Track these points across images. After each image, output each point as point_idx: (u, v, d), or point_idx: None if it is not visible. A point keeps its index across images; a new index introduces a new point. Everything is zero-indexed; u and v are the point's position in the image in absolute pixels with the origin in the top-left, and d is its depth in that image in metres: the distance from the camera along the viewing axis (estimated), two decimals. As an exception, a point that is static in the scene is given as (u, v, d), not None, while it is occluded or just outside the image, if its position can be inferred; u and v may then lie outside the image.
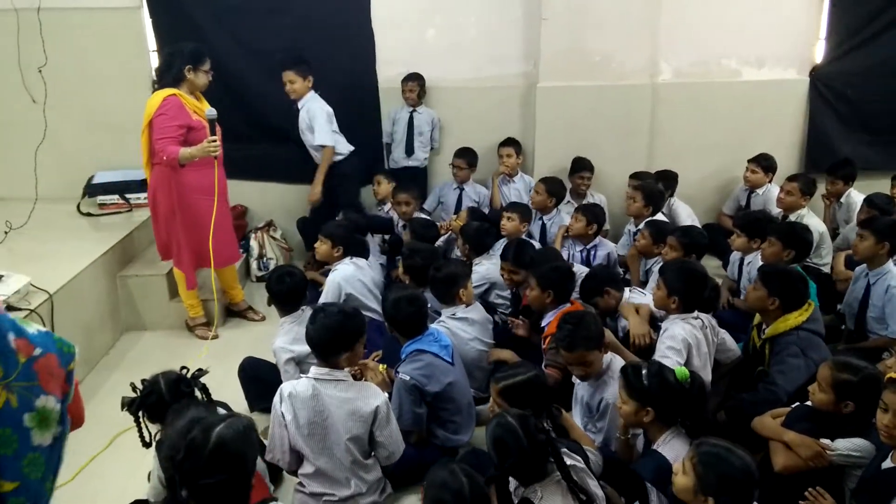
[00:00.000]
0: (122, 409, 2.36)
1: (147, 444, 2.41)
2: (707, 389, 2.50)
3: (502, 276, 3.87)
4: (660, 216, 4.68)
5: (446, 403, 2.87)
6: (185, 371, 2.45)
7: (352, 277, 3.96)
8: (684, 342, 2.96)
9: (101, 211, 4.97)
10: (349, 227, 4.22)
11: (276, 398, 2.54)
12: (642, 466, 2.41)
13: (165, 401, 2.35)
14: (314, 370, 2.57)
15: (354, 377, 3.22)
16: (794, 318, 3.03)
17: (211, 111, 3.74)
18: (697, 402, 2.42)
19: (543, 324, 3.38)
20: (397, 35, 5.29)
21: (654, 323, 3.42)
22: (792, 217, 4.58)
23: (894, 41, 5.44)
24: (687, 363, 2.93)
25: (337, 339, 2.57)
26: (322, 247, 4.04)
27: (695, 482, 1.94)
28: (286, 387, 2.55)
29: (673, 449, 2.37)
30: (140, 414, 2.38)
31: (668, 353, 2.94)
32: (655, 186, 4.74)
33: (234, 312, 4.56)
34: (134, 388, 2.40)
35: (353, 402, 2.53)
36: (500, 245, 4.38)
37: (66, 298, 3.64)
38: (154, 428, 2.44)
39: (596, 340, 2.79)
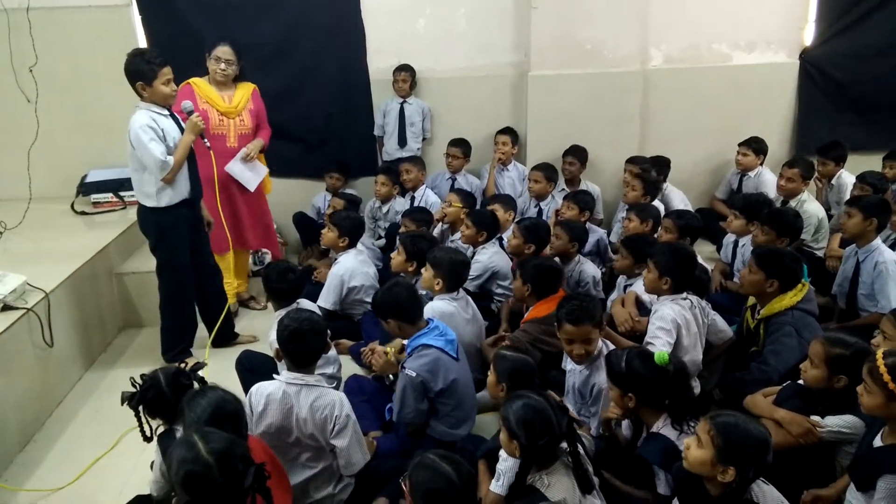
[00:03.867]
0: (122, 404, 2.38)
1: (148, 439, 2.43)
2: (690, 371, 2.50)
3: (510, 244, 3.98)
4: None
5: (449, 399, 2.87)
6: (183, 365, 2.47)
7: (356, 270, 4.02)
8: (673, 322, 2.99)
9: (96, 209, 4.98)
10: (357, 220, 4.26)
11: (254, 393, 2.54)
12: (647, 450, 2.42)
13: (165, 395, 2.37)
14: (286, 374, 2.56)
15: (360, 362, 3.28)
16: (790, 298, 3.07)
17: (186, 104, 3.73)
18: (678, 385, 2.42)
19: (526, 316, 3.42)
20: (387, 26, 5.30)
21: (643, 307, 3.46)
22: (792, 202, 4.59)
23: (883, 22, 5.47)
24: (677, 343, 2.97)
25: (311, 349, 2.59)
26: (329, 234, 4.11)
27: (713, 453, 1.96)
28: (265, 386, 2.55)
29: (673, 431, 2.39)
30: (140, 409, 2.39)
31: (659, 333, 2.97)
32: (654, 177, 4.78)
33: (242, 302, 4.66)
34: (133, 384, 2.41)
35: (314, 406, 2.51)
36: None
37: (62, 297, 3.66)
38: (155, 422, 2.45)
39: (598, 318, 2.84)
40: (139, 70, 3.46)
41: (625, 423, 2.65)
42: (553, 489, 2.13)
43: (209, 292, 3.93)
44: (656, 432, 2.42)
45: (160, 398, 2.37)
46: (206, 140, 3.76)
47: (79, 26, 5.07)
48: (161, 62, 3.50)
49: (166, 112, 3.61)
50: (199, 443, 1.79)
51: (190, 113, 3.66)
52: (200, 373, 2.50)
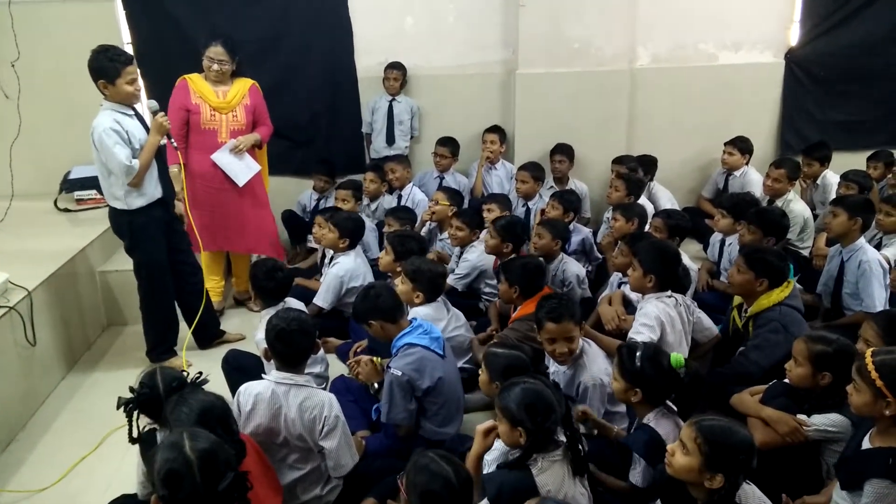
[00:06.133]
0: (118, 409, 2.32)
1: (134, 440, 2.37)
2: (702, 379, 2.51)
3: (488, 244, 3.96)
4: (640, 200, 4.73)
5: (436, 397, 2.86)
6: (185, 374, 2.42)
7: (356, 271, 4.03)
8: (657, 319, 3.01)
9: (79, 206, 4.93)
10: (359, 222, 4.23)
11: (242, 393, 2.52)
12: (633, 439, 2.45)
13: (160, 400, 2.31)
14: (275, 374, 2.54)
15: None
16: (777, 295, 3.09)
17: (152, 103, 3.59)
18: (690, 391, 2.43)
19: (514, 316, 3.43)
20: (375, 23, 5.28)
21: (630, 306, 3.47)
22: (778, 202, 4.62)
23: (868, 22, 5.53)
24: (661, 340, 2.98)
25: (300, 349, 2.57)
26: (329, 235, 4.09)
27: (700, 460, 1.94)
28: (254, 386, 2.53)
29: (663, 427, 2.40)
30: (135, 413, 2.34)
31: (642, 329, 2.99)
32: (637, 176, 4.79)
33: (239, 301, 4.66)
34: (131, 389, 2.36)
35: (303, 407, 2.49)
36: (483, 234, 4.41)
37: (45, 295, 3.62)
38: (144, 422, 2.39)
39: (578, 316, 2.85)
40: (102, 67, 3.35)
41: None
42: (545, 474, 2.12)
43: (188, 291, 3.87)
44: (646, 423, 2.43)
45: (154, 401, 2.32)
46: (172, 140, 3.69)
47: (61, 21, 5.00)
48: (125, 60, 3.37)
49: (131, 112, 3.49)
50: (186, 440, 1.79)
51: (155, 113, 3.55)
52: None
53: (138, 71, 3.44)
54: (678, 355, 2.45)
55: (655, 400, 2.45)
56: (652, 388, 2.42)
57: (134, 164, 3.41)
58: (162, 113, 3.56)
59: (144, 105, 3.83)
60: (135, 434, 2.36)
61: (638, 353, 2.44)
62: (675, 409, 2.47)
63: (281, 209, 5.29)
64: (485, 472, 2.26)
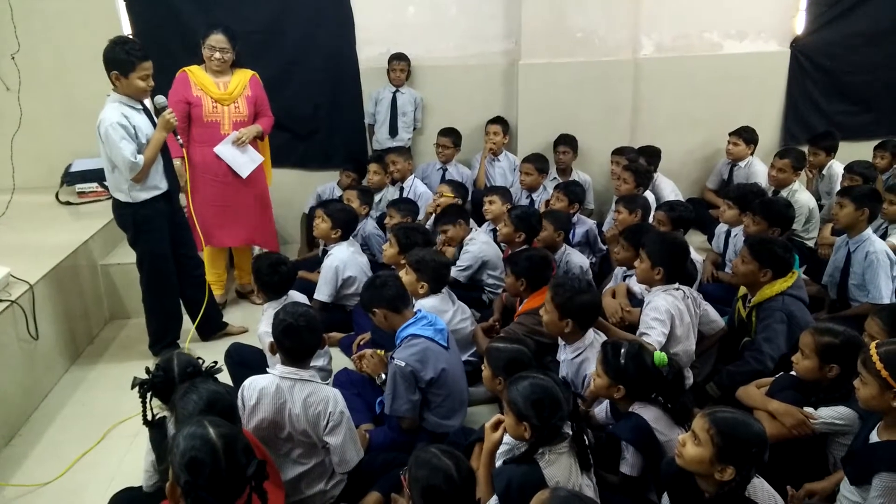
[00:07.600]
0: (132, 388, 2.34)
1: (147, 423, 2.37)
2: (683, 362, 2.47)
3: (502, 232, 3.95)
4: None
5: (439, 389, 2.85)
6: (201, 362, 2.42)
7: (350, 260, 4.02)
8: (667, 313, 2.98)
9: (81, 199, 4.92)
10: (351, 213, 4.23)
11: (247, 387, 2.50)
12: (620, 427, 2.44)
13: (174, 383, 2.32)
14: (280, 368, 2.52)
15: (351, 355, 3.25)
16: (780, 284, 3.08)
17: (159, 99, 3.56)
18: (673, 388, 2.42)
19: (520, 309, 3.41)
20: (377, 13, 5.25)
21: (633, 298, 3.45)
22: (783, 192, 4.59)
23: (873, 11, 5.50)
24: (670, 334, 2.96)
25: (307, 345, 2.56)
26: (322, 224, 4.09)
27: (712, 452, 1.93)
28: (258, 380, 2.51)
29: (648, 413, 2.40)
30: (148, 395, 2.35)
31: (654, 324, 2.96)
32: (644, 166, 4.76)
33: (242, 294, 4.66)
34: (147, 371, 2.37)
35: (308, 402, 2.47)
36: (485, 227, 4.41)
37: (47, 289, 3.61)
38: (157, 408, 2.39)
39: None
40: (117, 59, 3.32)
41: (601, 407, 2.67)
42: (553, 466, 2.11)
43: (191, 284, 3.86)
44: (633, 412, 2.43)
45: (168, 385, 2.33)
46: (178, 137, 3.67)
47: (61, 13, 4.98)
48: (142, 56, 3.34)
49: (139, 106, 3.47)
50: (210, 427, 1.78)
51: (162, 109, 3.51)
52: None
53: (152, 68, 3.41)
54: (661, 354, 2.44)
55: (638, 397, 2.45)
56: (635, 386, 2.42)
57: (139, 159, 3.39)
58: (169, 109, 3.53)
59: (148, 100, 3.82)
60: (149, 417, 2.36)
61: (622, 351, 2.43)
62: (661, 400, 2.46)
63: (280, 201, 5.24)
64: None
